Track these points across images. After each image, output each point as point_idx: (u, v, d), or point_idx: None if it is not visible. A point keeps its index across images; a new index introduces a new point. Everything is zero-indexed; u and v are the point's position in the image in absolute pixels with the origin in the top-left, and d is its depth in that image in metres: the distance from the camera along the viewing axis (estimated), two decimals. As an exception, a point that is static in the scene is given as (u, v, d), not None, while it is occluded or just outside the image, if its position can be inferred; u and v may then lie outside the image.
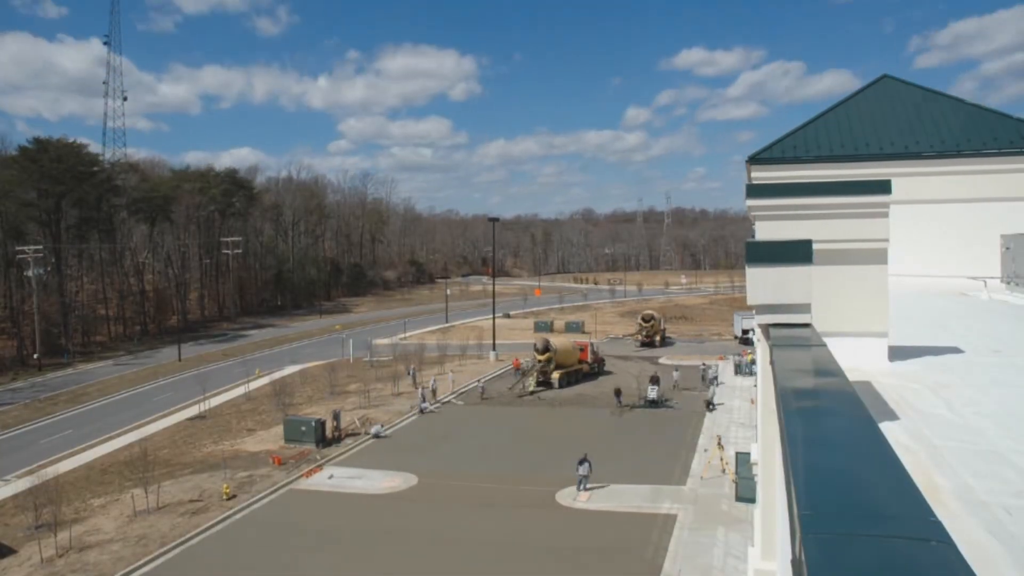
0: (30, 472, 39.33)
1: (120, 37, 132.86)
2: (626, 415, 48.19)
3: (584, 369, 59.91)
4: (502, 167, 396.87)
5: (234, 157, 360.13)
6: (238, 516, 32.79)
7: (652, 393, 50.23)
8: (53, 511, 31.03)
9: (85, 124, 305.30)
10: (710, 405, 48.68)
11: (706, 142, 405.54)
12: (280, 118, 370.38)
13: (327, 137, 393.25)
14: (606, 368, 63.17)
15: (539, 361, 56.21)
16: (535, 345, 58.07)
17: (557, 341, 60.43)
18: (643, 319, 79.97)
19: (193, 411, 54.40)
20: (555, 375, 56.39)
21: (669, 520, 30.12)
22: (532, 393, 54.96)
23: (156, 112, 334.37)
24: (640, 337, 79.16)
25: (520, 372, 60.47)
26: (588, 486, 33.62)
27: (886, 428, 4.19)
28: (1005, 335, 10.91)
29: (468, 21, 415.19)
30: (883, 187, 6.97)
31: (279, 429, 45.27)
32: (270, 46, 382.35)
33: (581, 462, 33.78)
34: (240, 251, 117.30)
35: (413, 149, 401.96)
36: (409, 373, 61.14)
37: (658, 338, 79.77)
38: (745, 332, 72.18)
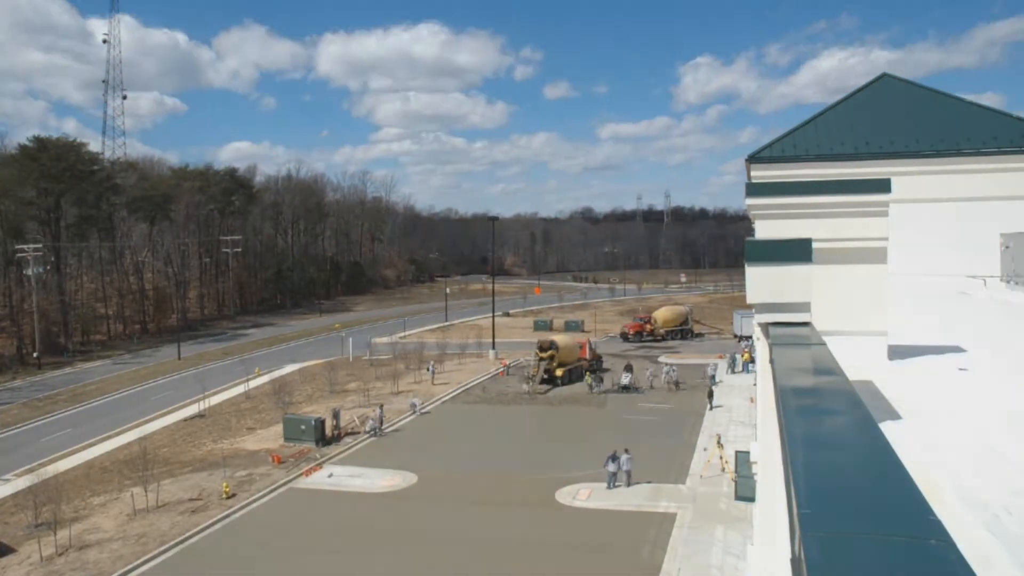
0: (30, 471, 39.35)
1: (120, 36, 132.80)
2: (625, 415, 48.24)
3: (584, 366, 60.70)
4: (518, 162, 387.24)
5: (238, 151, 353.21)
6: (237, 515, 32.79)
7: (625, 379, 54.00)
8: (53, 510, 31.01)
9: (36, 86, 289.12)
10: (711, 398, 49.37)
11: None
12: (297, 109, 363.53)
13: (339, 128, 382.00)
14: (604, 365, 63.71)
15: (541, 359, 57.50)
16: (539, 343, 59.42)
17: (559, 339, 61.68)
18: (641, 319, 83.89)
19: (193, 410, 54.39)
20: (558, 372, 57.48)
21: (668, 519, 30.13)
22: (538, 391, 55.51)
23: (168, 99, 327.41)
24: (650, 330, 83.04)
25: (508, 370, 62.88)
26: (615, 483, 33.57)
27: (885, 427, 4.19)
28: (1004, 333, 10.91)
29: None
30: (883, 186, 6.97)
31: (279, 428, 45.27)
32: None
33: (613, 458, 33.77)
34: (239, 250, 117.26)
35: (430, 140, 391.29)
36: (429, 369, 61.76)
37: (662, 334, 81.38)
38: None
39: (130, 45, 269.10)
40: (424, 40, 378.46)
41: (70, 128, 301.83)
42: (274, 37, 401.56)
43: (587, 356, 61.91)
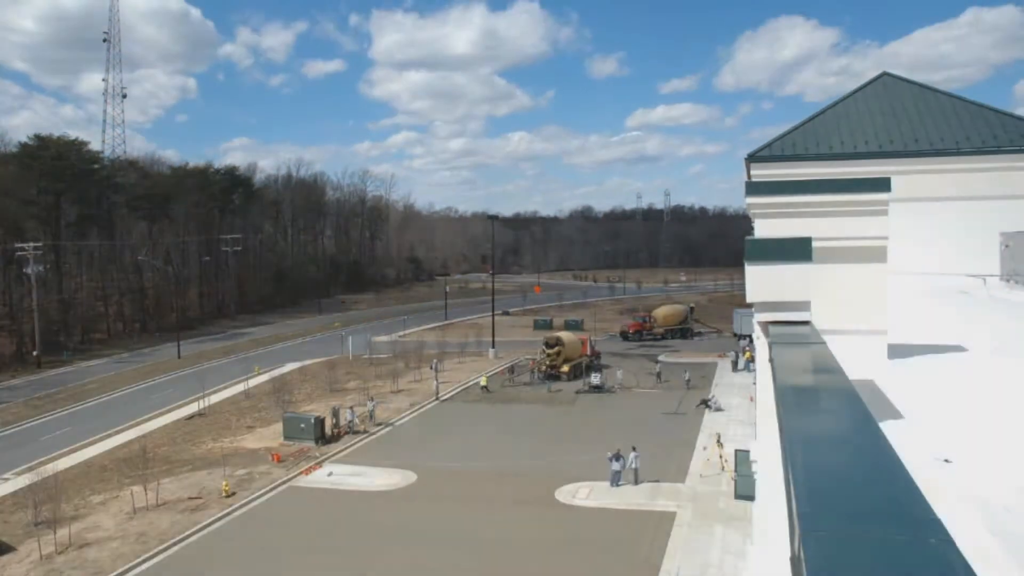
0: (29, 469, 39.30)
1: (120, 34, 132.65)
2: (623, 413, 48.27)
3: (585, 362, 61.99)
4: (536, 157, 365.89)
5: (240, 147, 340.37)
6: (237, 513, 32.79)
7: (595, 379, 54.84)
8: (52, 508, 30.99)
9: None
10: (708, 404, 48.99)
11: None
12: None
13: (348, 118, 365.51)
14: (602, 362, 64.63)
15: (548, 355, 59.66)
16: (546, 340, 61.85)
17: (565, 336, 63.95)
18: (641, 317, 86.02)
19: (192, 408, 54.38)
20: (564, 368, 59.13)
21: (668, 517, 30.14)
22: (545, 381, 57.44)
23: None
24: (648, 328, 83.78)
25: (510, 370, 63.34)
26: (619, 481, 33.62)
27: (885, 426, 4.19)
28: (1004, 333, 10.91)
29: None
30: (882, 185, 6.97)
31: (278, 426, 45.26)
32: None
33: (617, 457, 33.83)
34: (239, 248, 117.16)
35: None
36: (432, 367, 61.83)
37: (661, 333, 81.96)
38: None
39: (129, 28, 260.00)
40: (444, 19, 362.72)
41: (46, 108, 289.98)
42: (280, 15, 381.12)
43: (587, 353, 63.41)
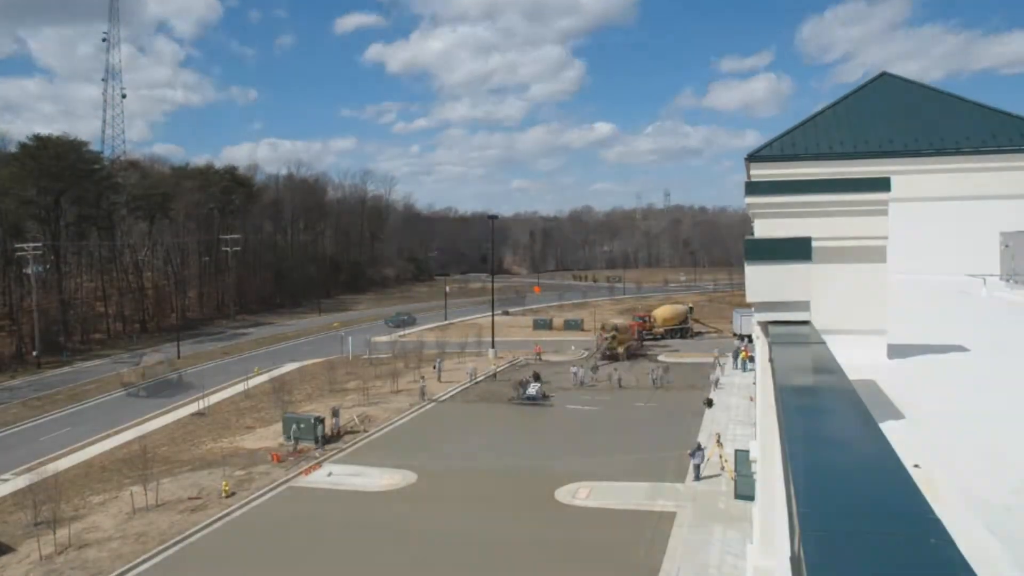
0: (29, 469, 39.36)
1: (119, 34, 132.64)
2: (622, 413, 48.30)
3: (635, 346, 71.47)
4: (556, 151, 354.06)
5: (244, 142, 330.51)
6: (237, 513, 32.79)
7: (532, 390, 52.59)
8: (52, 508, 31.03)
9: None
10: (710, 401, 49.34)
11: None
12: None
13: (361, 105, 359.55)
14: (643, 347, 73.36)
15: (606, 339, 69.08)
16: (603, 325, 73.98)
17: (620, 323, 75.65)
18: (640, 317, 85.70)
19: (192, 408, 54.39)
20: (620, 349, 68.48)
21: (667, 518, 30.14)
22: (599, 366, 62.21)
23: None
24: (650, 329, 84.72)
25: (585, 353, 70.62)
26: (699, 474, 34.62)
27: (885, 426, 4.19)
28: (1004, 333, 10.91)
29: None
30: (882, 184, 6.96)
31: (278, 426, 45.25)
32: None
33: (697, 451, 35.02)
34: (239, 248, 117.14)
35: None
36: (435, 366, 62.15)
37: (660, 332, 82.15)
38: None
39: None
40: None
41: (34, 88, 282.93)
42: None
43: (636, 338, 73.26)
